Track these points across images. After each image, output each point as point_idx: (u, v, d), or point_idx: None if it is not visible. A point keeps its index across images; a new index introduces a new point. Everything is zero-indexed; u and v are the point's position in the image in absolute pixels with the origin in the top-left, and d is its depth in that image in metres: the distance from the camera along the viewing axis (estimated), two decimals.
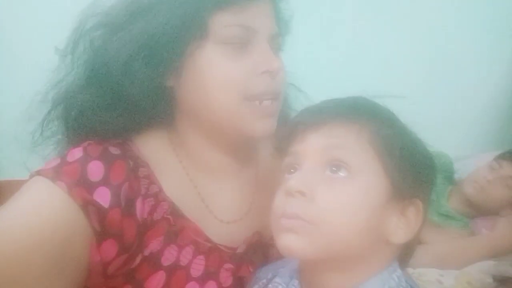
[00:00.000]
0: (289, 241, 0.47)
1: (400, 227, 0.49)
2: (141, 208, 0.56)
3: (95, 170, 0.53)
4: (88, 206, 0.50)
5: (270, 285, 0.56)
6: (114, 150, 0.56)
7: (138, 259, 0.56)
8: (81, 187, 0.51)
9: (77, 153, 0.54)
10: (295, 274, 0.55)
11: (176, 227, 0.59)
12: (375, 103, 0.53)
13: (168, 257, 0.58)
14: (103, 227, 0.51)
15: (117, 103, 0.58)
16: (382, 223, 0.48)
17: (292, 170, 0.52)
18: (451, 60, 1.64)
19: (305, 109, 0.56)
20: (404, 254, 0.52)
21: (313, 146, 0.50)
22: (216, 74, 0.57)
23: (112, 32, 0.58)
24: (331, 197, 0.47)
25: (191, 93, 0.59)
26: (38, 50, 1.51)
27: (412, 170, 0.49)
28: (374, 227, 0.47)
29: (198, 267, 0.60)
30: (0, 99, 1.56)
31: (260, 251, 0.65)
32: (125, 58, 0.55)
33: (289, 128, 0.54)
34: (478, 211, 1.36)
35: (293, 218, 0.47)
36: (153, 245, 0.57)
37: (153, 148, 0.63)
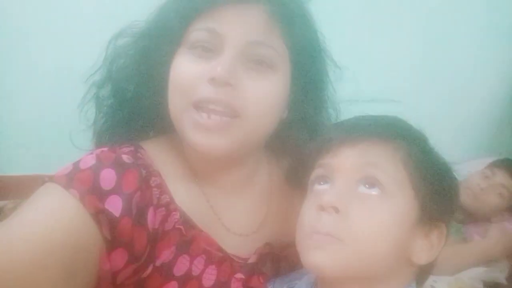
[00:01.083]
0: (318, 259, 0.47)
1: (423, 249, 0.49)
2: (152, 218, 0.55)
3: (108, 178, 0.52)
4: (100, 214, 0.50)
5: None
6: (127, 159, 0.56)
7: (149, 269, 0.55)
8: (93, 195, 0.50)
9: (90, 160, 0.53)
10: (312, 287, 0.56)
11: (187, 237, 0.59)
12: (410, 125, 0.54)
13: (180, 267, 0.58)
14: (114, 235, 0.51)
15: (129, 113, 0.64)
16: (408, 244, 0.49)
17: (322, 182, 0.52)
18: (445, 65, 1.65)
19: (338, 123, 0.57)
20: (422, 274, 0.53)
21: (348, 161, 0.50)
22: (174, 76, 0.58)
23: (128, 43, 0.64)
24: (364, 215, 0.47)
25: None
26: (46, 56, 1.53)
27: (440, 194, 0.50)
28: (401, 248, 0.48)
29: (210, 276, 0.59)
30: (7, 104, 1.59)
31: (270, 262, 0.65)
32: (127, 63, 0.62)
33: (321, 141, 0.55)
34: (470, 217, 1.39)
35: (325, 235, 0.47)
36: (165, 255, 0.57)
37: (165, 156, 0.63)
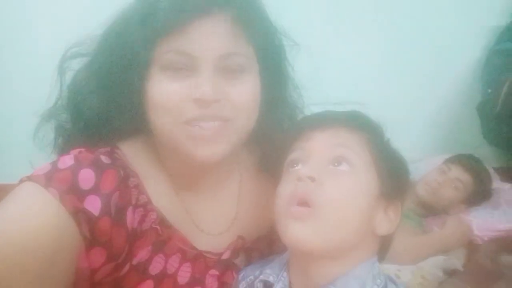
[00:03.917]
0: (298, 232, 0.52)
1: (384, 221, 0.56)
2: (131, 218, 0.57)
3: (86, 178, 0.53)
4: (79, 213, 0.51)
5: (261, 276, 0.60)
6: (105, 159, 0.57)
7: (126, 268, 0.57)
8: (72, 195, 0.51)
9: (68, 160, 0.54)
10: (284, 267, 0.60)
11: (163, 236, 0.61)
12: (370, 118, 0.62)
13: (156, 266, 0.60)
14: (93, 234, 0.52)
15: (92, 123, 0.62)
16: (371, 216, 0.55)
17: (295, 165, 0.58)
18: (405, 63, 1.71)
19: (309, 115, 0.64)
20: (381, 249, 0.59)
21: (320, 143, 0.57)
22: (153, 98, 0.57)
23: (84, 63, 0.63)
24: (336, 185, 0.53)
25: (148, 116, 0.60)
26: (10, 58, 1.50)
27: (396, 175, 0.58)
28: (366, 217, 0.55)
29: (184, 274, 0.62)
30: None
31: (243, 255, 0.68)
32: (91, 88, 0.61)
33: (294, 129, 0.62)
34: (429, 210, 1.47)
35: (302, 205, 0.52)
36: (141, 255, 0.59)
37: (141, 157, 0.64)
